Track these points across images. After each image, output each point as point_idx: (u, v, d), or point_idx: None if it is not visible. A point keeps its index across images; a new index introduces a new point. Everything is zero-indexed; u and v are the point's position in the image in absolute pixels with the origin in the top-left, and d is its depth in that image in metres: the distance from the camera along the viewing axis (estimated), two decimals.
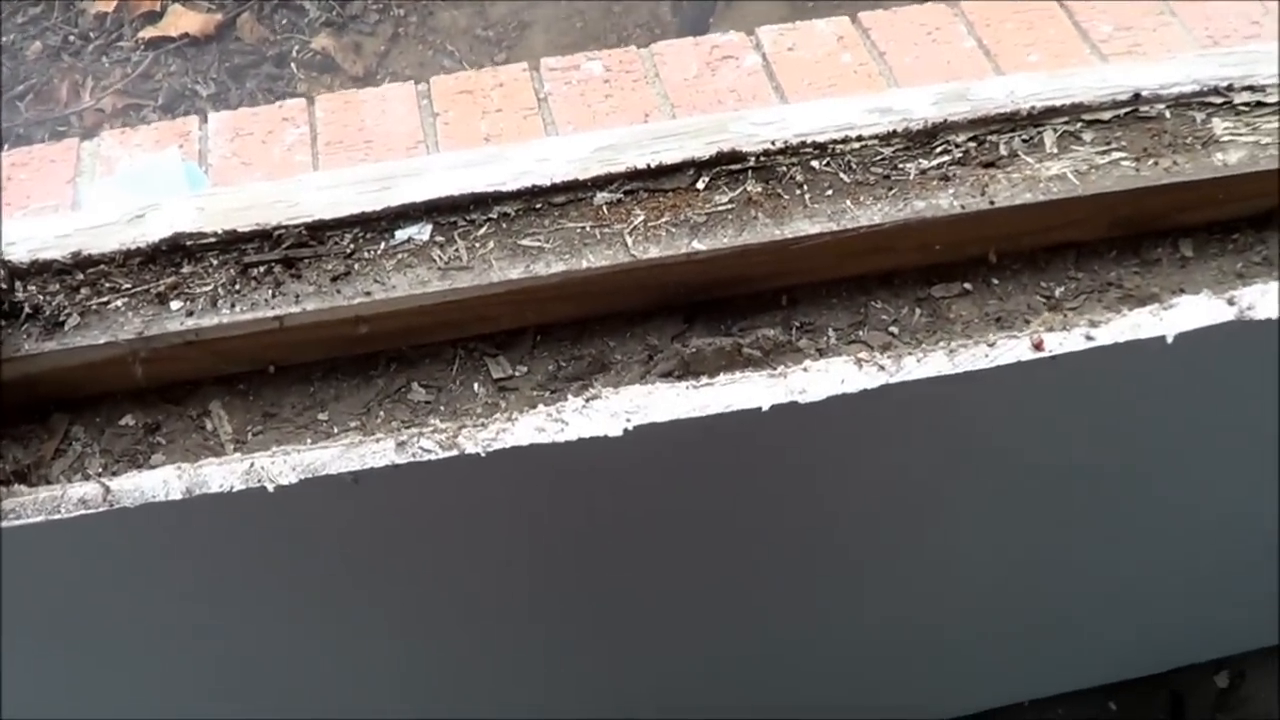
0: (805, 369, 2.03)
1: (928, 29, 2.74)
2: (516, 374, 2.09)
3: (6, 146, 3.42)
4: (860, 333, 2.12)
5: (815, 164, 2.13)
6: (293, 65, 3.25)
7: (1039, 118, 2.21)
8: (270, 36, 3.42)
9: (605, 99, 2.37)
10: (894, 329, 2.12)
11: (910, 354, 2.05)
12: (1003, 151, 2.17)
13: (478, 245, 2.07)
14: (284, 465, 1.94)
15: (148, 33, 3.54)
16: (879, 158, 2.15)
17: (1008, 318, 2.15)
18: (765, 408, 1.98)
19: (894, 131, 2.16)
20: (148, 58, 3.37)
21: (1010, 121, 2.20)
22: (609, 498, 2.14)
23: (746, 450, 2.10)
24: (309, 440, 2.03)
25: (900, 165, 2.14)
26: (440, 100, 2.42)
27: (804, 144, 2.13)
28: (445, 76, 2.41)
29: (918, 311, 2.14)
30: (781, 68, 2.41)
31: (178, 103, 3.20)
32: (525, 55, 3.14)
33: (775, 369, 2.04)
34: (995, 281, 2.18)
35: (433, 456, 1.95)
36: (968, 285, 2.17)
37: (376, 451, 1.95)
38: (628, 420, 1.97)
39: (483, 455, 1.95)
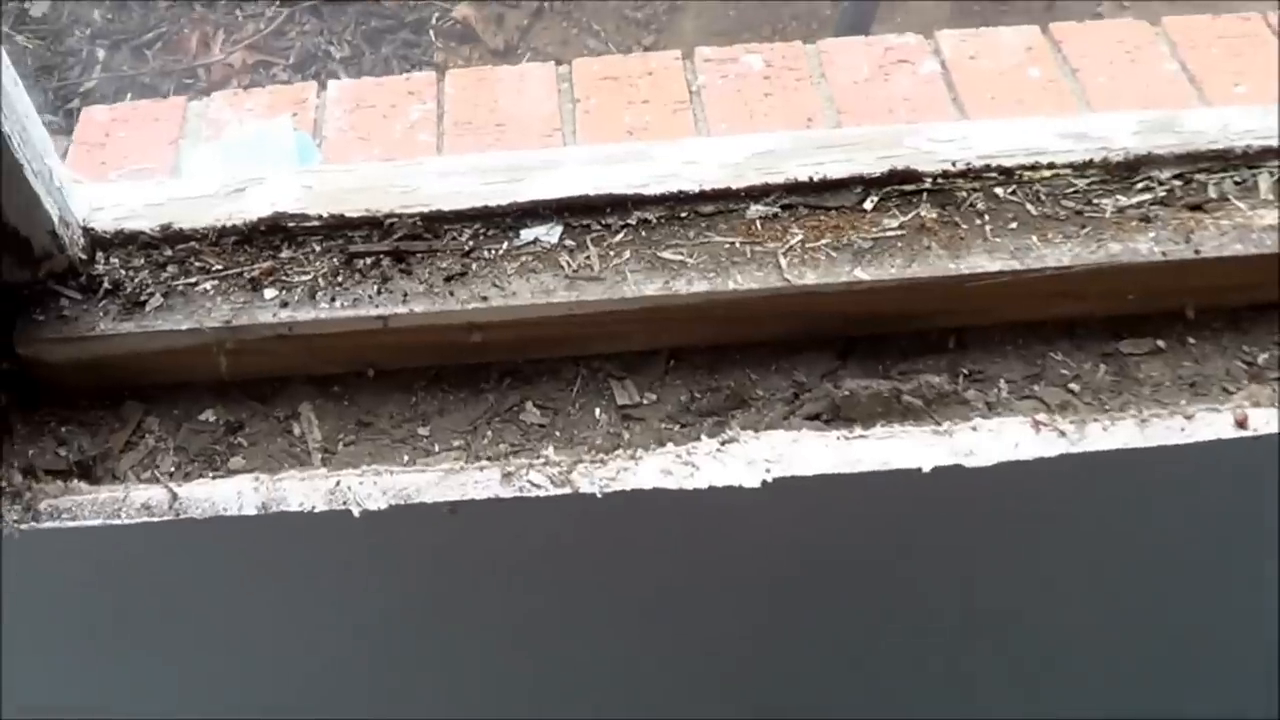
0: (974, 427, 1.74)
1: (1126, 47, 2.35)
2: (644, 402, 1.81)
3: (129, 95, 3.19)
4: (1036, 388, 1.83)
5: (999, 191, 1.84)
6: (431, 33, 2.99)
7: (1254, 159, 1.89)
8: (410, 1, 3.16)
9: (764, 98, 2.07)
10: (1074, 386, 1.83)
11: (1095, 419, 1.75)
12: (1211, 194, 1.86)
13: (612, 253, 1.80)
14: (374, 487, 1.68)
15: None
16: (1072, 190, 1.85)
17: (1204, 384, 1.85)
18: (926, 469, 1.70)
19: (1090, 161, 1.85)
20: (282, 14, 3.10)
21: (1222, 160, 1.88)
22: (738, 557, 1.85)
23: (901, 516, 1.81)
24: (405, 457, 1.77)
25: (1095, 200, 1.84)
26: (582, 85, 2.12)
27: (988, 168, 1.83)
28: (590, 59, 2.12)
29: (1102, 368, 1.85)
30: (962, 78, 2.10)
31: (309, 63, 2.94)
32: (674, 41, 2.86)
33: (939, 424, 1.75)
34: (1191, 341, 1.87)
35: (542, 493, 1.68)
36: (1160, 342, 1.86)
37: (480, 482, 1.68)
38: (767, 470, 1.69)
39: (598, 496, 1.67)
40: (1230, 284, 1.83)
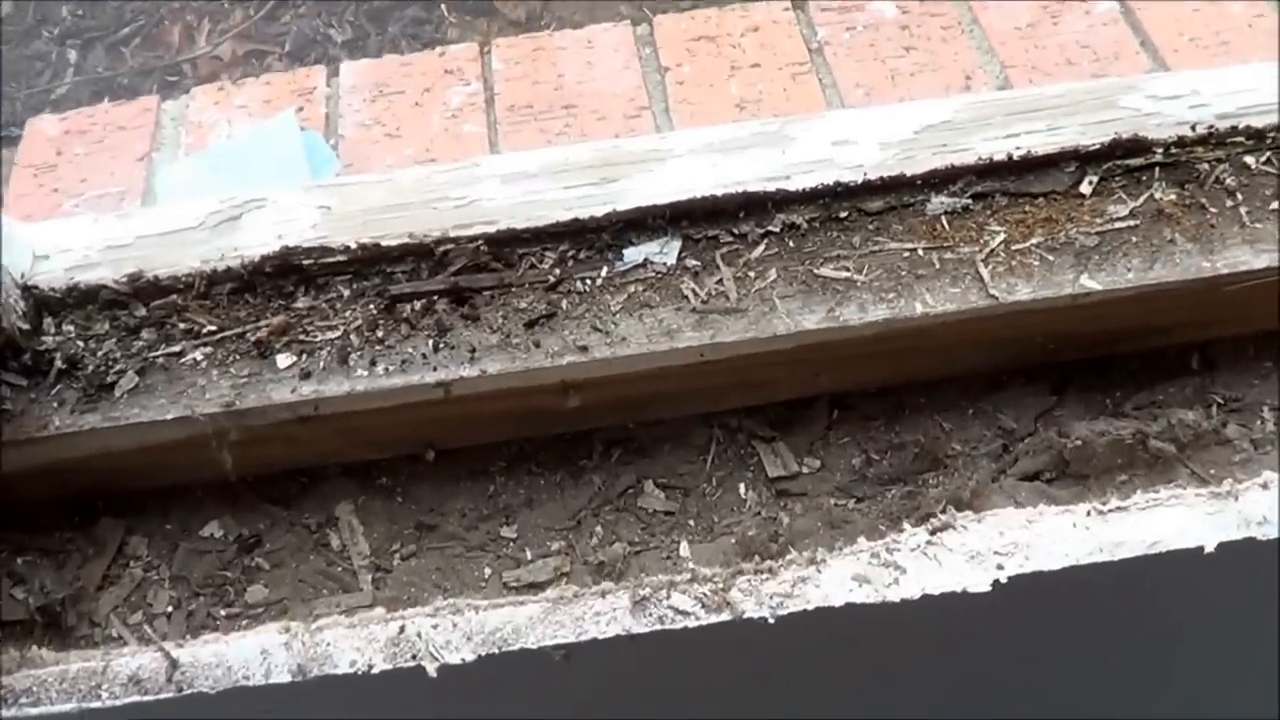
0: (1264, 484, 1.25)
1: None
2: (804, 470, 1.29)
3: (107, 100, 2.59)
4: None
5: (1250, 161, 1.30)
6: (443, 7, 2.43)
7: None
8: None
9: (905, 53, 1.56)
10: None
11: None
12: None
13: (752, 274, 1.26)
14: (453, 630, 1.15)
15: None
16: None
17: None
18: (1210, 548, 1.21)
19: None
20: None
21: None
22: (963, 679, 1.33)
23: (1178, 613, 1.30)
24: (488, 572, 1.26)
25: None
26: (670, 48, 1.49)
27: (1234, 130, 1.29)
28: (674, 16, 1.58)
29: None
30: (1149, 16, 1.59)
31: (307, 49, 2.38)
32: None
33: (1216, 481, 1.27)
34: None
35: (692, 622, 1.18)
36: None
37: (602, 612, 1.17)
38: (999, 567, 1.20)
39: (770, 621, 1.18)
40: None
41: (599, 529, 1.24)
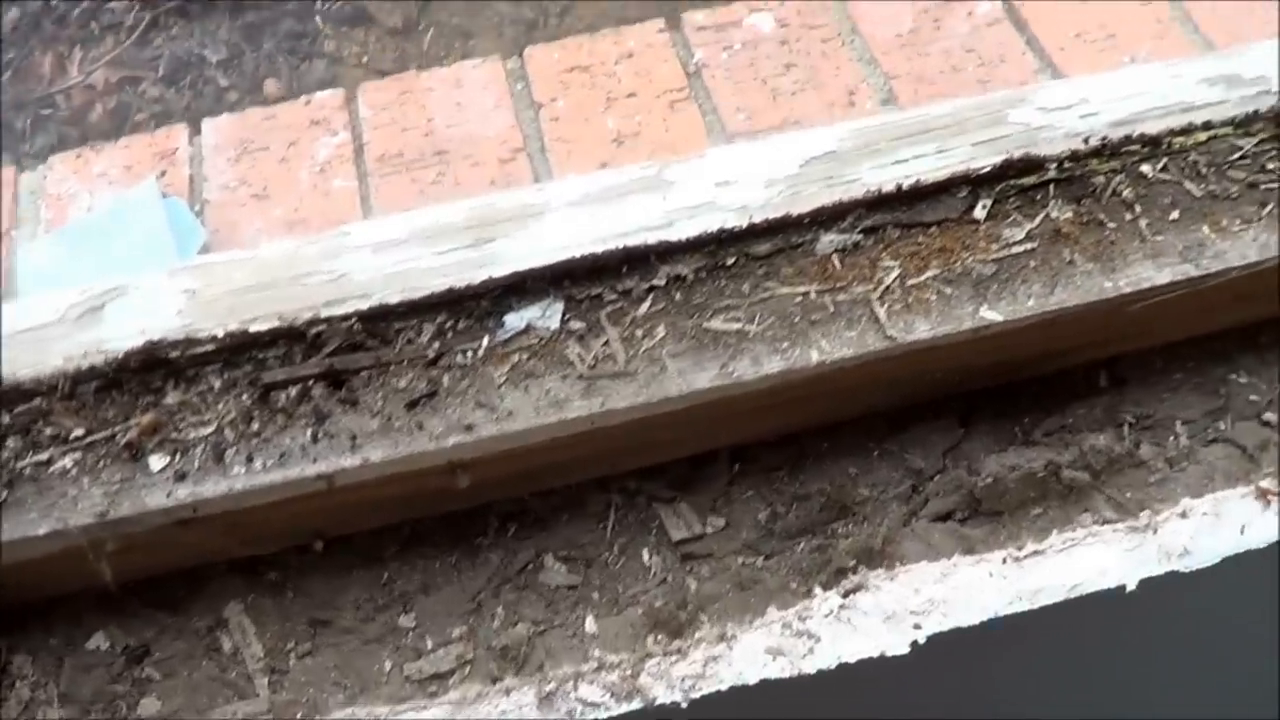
0: (1182, 512, 1.16)
1: None
2: (709, 530, 1.18)
3: None
4: (1223, 426, 1.25)
5: (1146, 170, 1.20)
6: (318, 19, 2.29)
7: None
8: None
9: (786, 70, 1.44)
10: (1273, 416, 1.24)
11: None
12: None
13: (640, 333, 1.15)
14: None
15: None
16: (1238, 155, 1.22)
17: None
18: (1132, 585, 1.14)
19: (1254, 113, 1.22)
20: (144, 19, 2.38)
21: None
22: None
23: (1105, 656, 1.20)
24: (388, 666, 1.14)
25: (1270, 165, 1.21)
26: (542, 82, 1.36)
27: (1127, 139, 1.19)
28: (546, 47, 1.47)
29: None
30: (1033, 15, 1.47)
31: (182, 72, 2.23)
32: None
33: (1133, 507, 1.19)
34: None
35: (602, 714, 1.08)
36: None
37: (508, 711, 1.07)
38: (917, 626, 1.11)
39: (682, 705, 1.09)
40: None
41: (500, 610, 1.14)
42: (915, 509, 1.17)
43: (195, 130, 1.36)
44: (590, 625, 1.13)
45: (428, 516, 1.16)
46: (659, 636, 1.11)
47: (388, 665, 1.12)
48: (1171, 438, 1.20)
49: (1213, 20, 1.37)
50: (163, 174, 1.32)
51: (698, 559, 1.15)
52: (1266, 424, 1.21)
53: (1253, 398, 1.22)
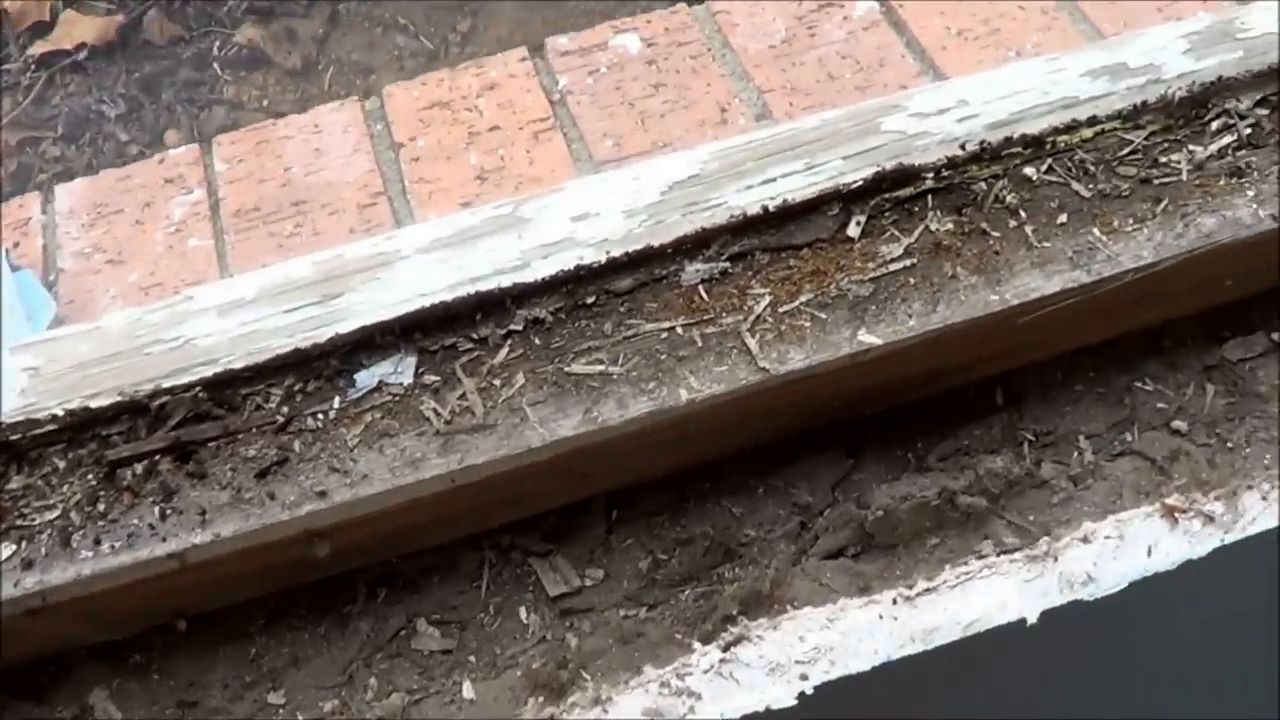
0: (1084, 536, 1.08)
1: None
2: (587, 583, 1.08)
3: None
4: (1129, 438, 1.13)
5: (1030, 172, 1.10)
6: (215, 66, 2.20)
7: None
8: (185, 35, 2.35)
9: (654, 91, 1.34)
10: (1181, 424, 1.15)
11: (1242, 483, 1.11)
12: None
13: (498, 382, 1.05)
14: None
15: (38, 48, 2.33)
16: (1128, 151, 1.11)
17: None
18: (1033, 618, 1.05)
19: (1142, 105, 1.12)
20: (40, 78, 2.29)
21: None
22: None
23: (1008, 695, 1.10)
24: None
25: (1163, 159, 1.11)
26: (402, 122, 1.27)
27: (1008, 141, 1.09)
28: (405, 85, 1.36)
29: (1209, 389, 1.16)
30: (912, 14, 1.30)
31: (81, 129, 2.13)
32: (499, 24, 2.06)
33: (1029, 541, 1.10)
34: None
35: None
36: (1275, 336, 1.17)
37: None
38: (803, 676, 1.03)
39: None
40: None
41: (373, 680, 1.05)
42: (804, 547, 1.08)
43: (49, 197, 1.28)
44: (468, 691, 1.04)
45: (293, 587, 1.08)
46: (539, 699, 1.03)
47: None
48: (1075, 454, 1.11)
49: (1102, 8, 1.27)
50: (16, 244, 1.24)
51: (577, 614, 1.06)
52: (1176, 432, 1.12)
53: (1160, 405, 1.13)
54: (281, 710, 1.05)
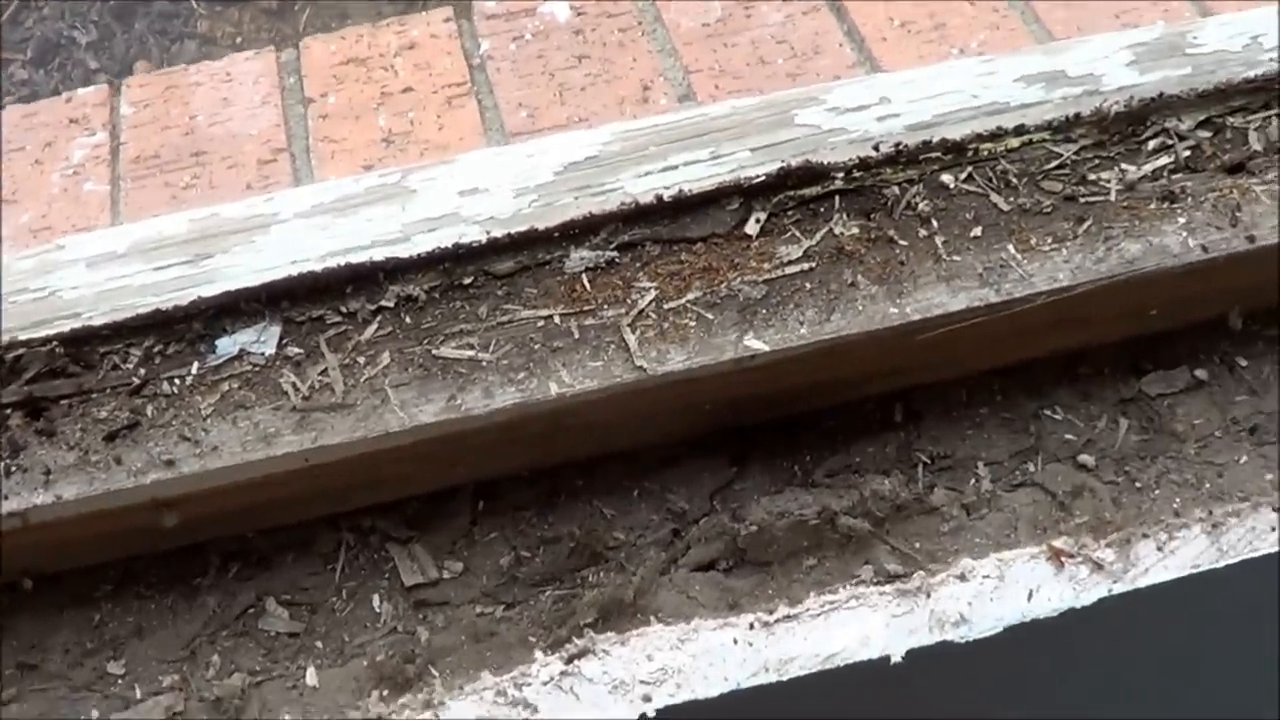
0: (960, 574, 0.98)
1: None
2: (445, 575, 0.97)
3: None
4: (1032, 468, 1.01)
5: (948, 180, 0.98)
6: (192, 1, 2.10)
7: None
8: None
9: (578, 62, 1.17)
10: (1089, 458, 1.03)
11: (1139, 530, 1.01)
12: (1255, 145, 1.03)
13: (362, 360, 0.94)
14: None
15: None
16: (1055, 164, 0.99)
17: (1270, 428, 1.07)
18: (898, 656, 0.96)
19: (1075, 117, 1.00)
20: (14, 2, 2.20)
21: (1264, 92, 1.03)
22: None
23: None
24: (94, 715, 0.97)
25: (1091, 176, 0.99)
26: (316, 76, 1.16)
27: (927, 145, 0.98)
28: (324, 38, 1.23)
29: (1123, 422, 1.02)
30: (855, 2, 1.17)
31: (52, 54, 2.04)
32: None
33: (904, 571, 1.01)
34: (1243, 363, 1.03)
35: None
36: (1199, 373, 1.04)
37: None
38: (646, 698, 0.93)
39: None
40: None
41: (216, 658, 0.96)
42: (675, 556, 0.97)
43: None
44: (311, 677, 0.95)
45: (143, 554, 0.99)
46: (383, 692, 0.95)
47: (94, 714, 0.95)
48: (971, 481, 1.00)
49: (1057, 9, 1.15)
50: None
51: (431, 607, 0.96)
52: (1082, 467, 1.00)
53: (1068, 437, 1.01)
54: (120, 681, 0.96)
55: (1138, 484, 0.98)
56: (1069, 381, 1.02)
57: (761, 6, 1.12)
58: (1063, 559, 0.90)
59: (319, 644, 0.96)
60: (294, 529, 0.98)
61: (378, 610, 0.97)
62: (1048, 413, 1.01)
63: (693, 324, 0.93)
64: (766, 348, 0.92)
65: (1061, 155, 1.00)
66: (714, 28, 1.13)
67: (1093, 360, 1.03)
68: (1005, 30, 1.13)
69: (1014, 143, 1.00)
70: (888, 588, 0.90)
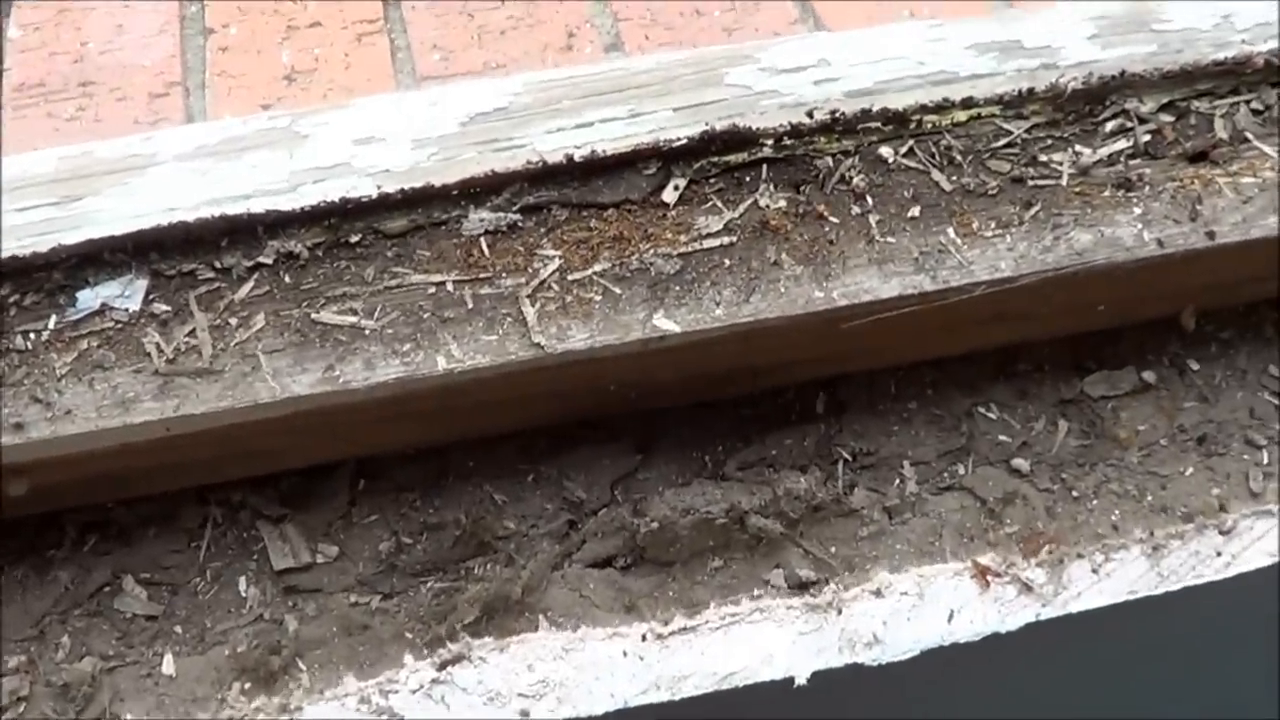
0: (876, 589, 0.88)
1: None
2: (319, 559, 0.85)
3: None
4: (961, 470, 0.91)
5: (886, 153, 0.86)
6: None
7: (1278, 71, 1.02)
8: None
9: (500, 4, 0.99)
10: (1023, 463, 0.92)
11: (1074, 549, 0.91)
12: (1220, 132, 0.92)
13: (234, 321, 0.82)
14: None
15: None
16: (1004, 142, 0.87)
17: (1220, 439, 1.00)
18: (803, 679, 0.86)
19: (1029, 91, 0.88)
20: None
21: (1232, 76, 0.92)
22: None
23: None
24: None
25: (1043, 157, 0.87)
26: (219, 6, 1.02)
27: (866, 113, 0.86)
28: None
29: (1062, 425, 0.91)
30: None
31: None
32: None
33: (816, 578, 0.91)
34: (1194, 366, 0.92)
35: None
36: (1146, 375, 0.95)
37: None
38: (524, 712, 0.83)
39: None
40: (1252, 274, 0.96)
41: (66, 639, 0.84)
42: (569, 550, 0.86)
43: None
44: (168, 665, 0.83)
45: None
46: (245, 684, 0.84)
47: None
48: (896, 481, 0.88)
49: None
50: None
51: (302, 594, 0.85)
52: (1016, 471, 0.89)
53: (1002, 438, 0.90)
54: None
55: (1074, 493, 0.88)
56: (1006, 378, 0.90)
57: None
58: (988, 578, 0.80)
59: (178, 629, 0.85)
60: (157, 501, 0.86)
61: (244, 595, 0.85)
62: (982, 411, 0.90)
63: (598, 298, 0.82)
64: (678, 328, 0.80)
65: (1012, 133, 0.88)
66: None
67: (1032, 356, 0.91)
68: None
69: (961, 116, 0.88)
70: (796, 600, 0.80)
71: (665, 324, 0.80)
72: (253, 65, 0.97)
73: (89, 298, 0.83)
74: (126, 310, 0.83)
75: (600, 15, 0.99)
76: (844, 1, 1.00)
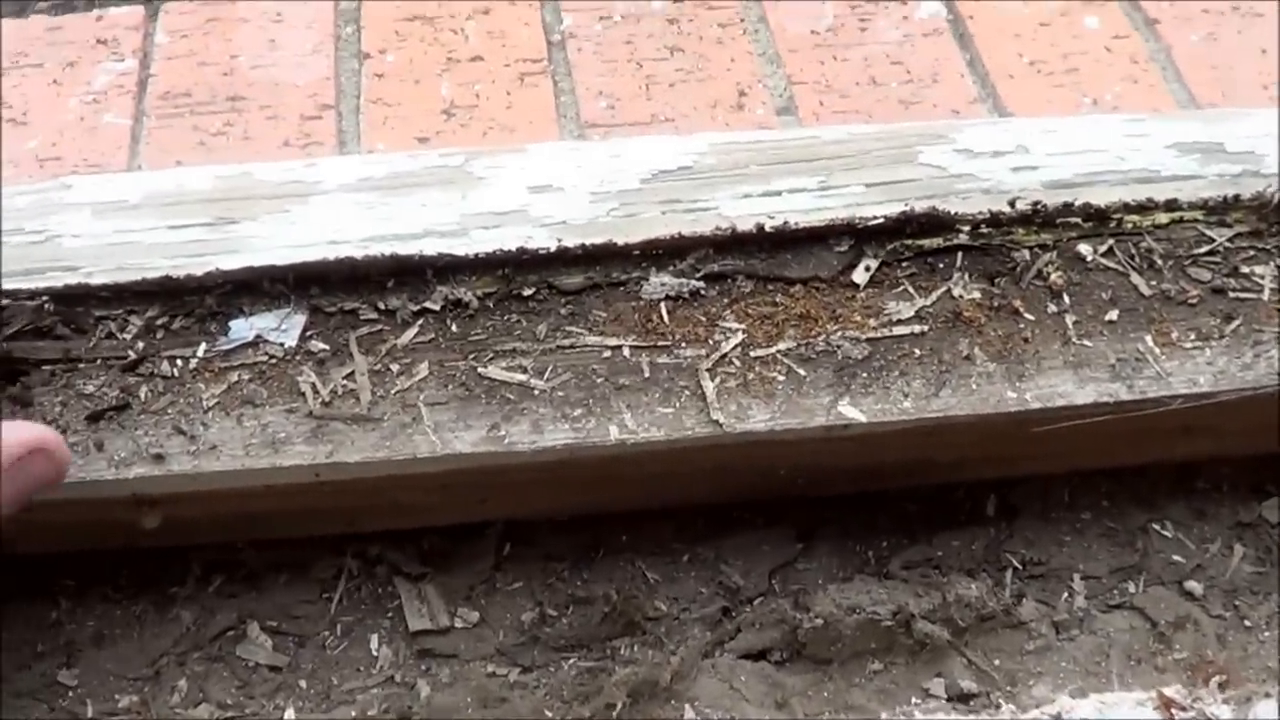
0: (1056, 714, 0.81)
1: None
2: (458, 623, 0.79)
3: None
4: (1133, 589, 0.84)
5: (1086, 251, 0.80)
6: None
7: None
8: None
9: (669, 54, 0.98)
10: (1197, 586, 0.87)
11: (1259, 687, 0.85)
12: None
13: (396, 368, 0.76)
14: None
15: None
16: (1206, 250, 0.81)
17: None
18: None
19: (1234, 198, 0.82)
20: None
21: None
22: None
23: None
24: None
25: (1244, 269, 0.80)
26: (376, 30, 0.99)
27: (1066, 208, 0.80)
28: None
29: (1237, 550, 0.86)
30: (981, 28, 1.03)
31: None
32: None
33: (976, 694, 0.84)
34: None
35: None
36: None
37: None
38: None
39: None
40: None
41: (183, 682, 0.77)
42: (722, 639, 0.79)
43: None
44: None
45: (117, 549, 0.83)
46: None
47: None
48: (1065, 595, 0.82)
49: (1200, 69, 0.97)
50: None
51: (437, 658, 0.78)
52: (1189, 595, 0.83)
53: (1176, 558, 0.83)
54: (71, 693, 0.77)
55: (1246, 622, 0.81)
56: (1184, 495, 0.83)
57: (878, 20, 0.94)
58: (1172, 710, 0.75)
59: (303, 683, 0.79)
60: (291, 546, 0.79)
61: (375, 654, 0.79)
62: (1156, 527, 0.83)
63: (781, 378, 0.76)
64: (864, 418, 0.74)
65: (1214, 240, 0.82)
66: (823, 37, 0.95)
67: (1212, 474, 0.84)
68: (1144, 85, 0.96)
69: (1163, 218, 0.82)
70: (957, 717, 0.74)
71: (851, 412, 0.74)
72: (410, 95, 0.91)
73: (243, 328, 0.77)
74: (282, 345, 0.76)
75: (773, 76, 0.93)
76: (1022, 81, 0.95)
